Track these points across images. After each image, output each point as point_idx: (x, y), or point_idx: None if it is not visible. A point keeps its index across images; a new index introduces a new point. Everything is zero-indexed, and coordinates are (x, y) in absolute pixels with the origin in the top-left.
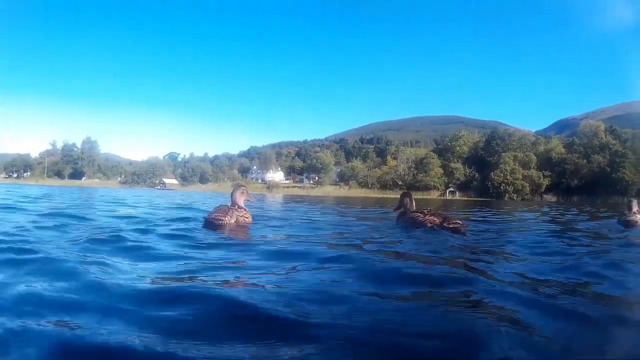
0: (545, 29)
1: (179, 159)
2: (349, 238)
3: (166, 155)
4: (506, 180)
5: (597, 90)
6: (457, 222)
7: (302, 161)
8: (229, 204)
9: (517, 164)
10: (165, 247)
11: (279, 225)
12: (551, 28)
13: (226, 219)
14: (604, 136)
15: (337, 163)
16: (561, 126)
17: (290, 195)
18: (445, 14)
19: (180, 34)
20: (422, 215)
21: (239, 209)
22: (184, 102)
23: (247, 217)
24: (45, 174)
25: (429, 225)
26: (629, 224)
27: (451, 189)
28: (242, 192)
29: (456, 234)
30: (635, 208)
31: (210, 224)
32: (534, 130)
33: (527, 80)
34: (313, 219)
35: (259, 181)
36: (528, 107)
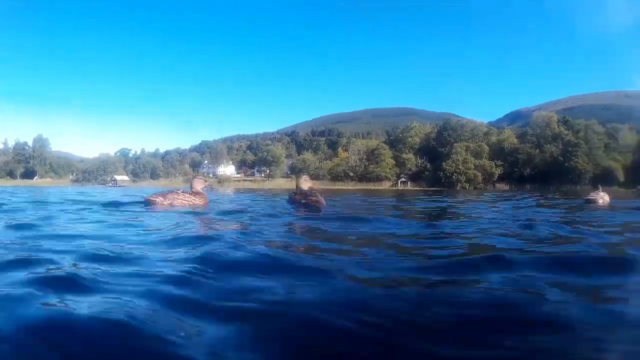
0: (497, 22)
1: (131, 155)
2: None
3: (117, 152)
4: (458, 170)
5: (550, 83)
6: (315, 200)
7: (253, 155)
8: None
9: (469, 154)
10: None
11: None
12: (503, 22)
13: (159, 199)
14: (556, 127)
15: (288, 156)
16: (514, 117)
17: (242, 188)
18: (396, 5)
19: (128, 29)
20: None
21: (185, 194)
22: (135, 97)
23: (195, 201)
24: None
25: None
26: (590, 202)
27: (403, 180)
28: (200, 181)
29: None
30: (600, 192)
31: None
32: (486, 122)
33: (480, 72)
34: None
35: (211, 175)
36: (481, 99)
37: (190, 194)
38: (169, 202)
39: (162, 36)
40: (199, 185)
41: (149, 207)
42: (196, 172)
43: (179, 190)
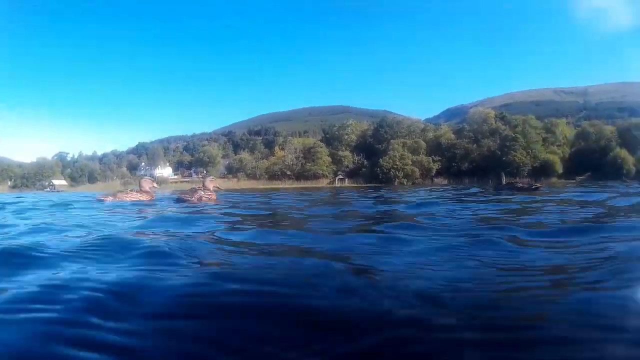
0: (433, 20)
1: (68, 159)
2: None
3: (55, 156)
4: (395, 166)
5: (486, 81)
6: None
7: (190, 155)
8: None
9: (406, 150)
10: None
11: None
12: (438, 19)
13: (109, 198)
14: (493, 122)
15: (225, 156)
16: (451, 114)
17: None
18: (330, 4)
19: (62, 31)
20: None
21: (206, 190)
22: (71, 100)
23: (212, 196)
24: None
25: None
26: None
27: (340, 177)
28: (212, 180)
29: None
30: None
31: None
32: (423, 119)
33: (417, 70)
34: None
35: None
36: (418, 97)
37: (138, 192)
38: (119, 199)
39: (96, 36)
40: (146, 184)
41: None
42: (133, 174)
43: (127, 190)
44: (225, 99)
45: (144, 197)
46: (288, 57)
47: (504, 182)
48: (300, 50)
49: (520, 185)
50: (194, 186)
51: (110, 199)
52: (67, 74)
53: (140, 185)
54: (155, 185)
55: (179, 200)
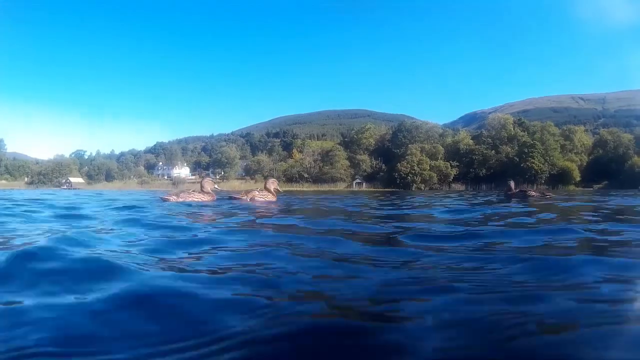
0: (453, 25)
1: (86, 157)
2: None
3: (72, 154)
4: (413, 171)
5: (505, 86)
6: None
7: (208, 156)
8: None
9: (424, 154)
10: None
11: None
12: (459, 25)
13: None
14: (512, 128)
15: (242, 157)
16: (469, 119)
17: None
18: (350, 8)
19: (85, 29)
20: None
21: (261, 191)
22: (91, 98)
23: (268, 197)
24: None
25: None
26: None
27: (358, 181)
28: (273, 182)
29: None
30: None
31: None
32: (441, 124)
33: (436, 74)
34: None
35: (165, 177)
36: (436, 101)
37: (200, 192)
38: (182, 199)
39: (118, 36)
40: (208, 185)
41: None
42: (151, 174)
43: (190, 190)
44: (244, 100)
45: (206, 198)
46: (307, 60)
47: (514, 190)
48: (320, 53)
49: (532, 193)
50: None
51: (173, 198)
52: (87, 72)
53: (202, 186)
54: (216, 186)
55: (231, 199)
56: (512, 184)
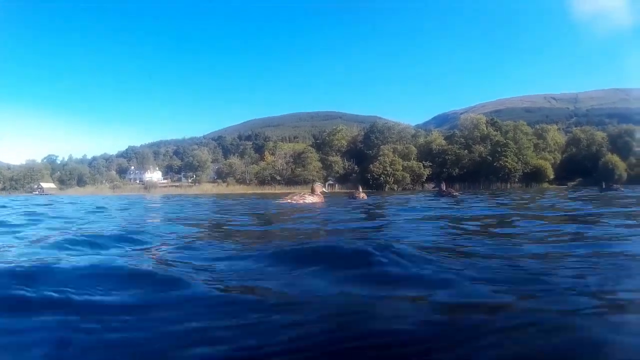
0: (424, 26)
1: (58, 162)
2: None
3: (44, 158)
4: (386, 172)
5: (477, 86)
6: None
7: (180, 160)
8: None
9: (396, 155)
10: None
11: None
12: (430, 25)
13: (298, 198)
14: (485, 128)
15: (214, 160)
16: (441, 120)
17: (170, 194)
18: (320, 9)
19: (55, 30)
20: None
21: (312, 194)
22: (62, 102)
23: (311, 200)
24: None
25: None
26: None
27: (330, 182)
28: (319, 186)
29: None
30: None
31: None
32: (414, 124)
33: (407, 75)
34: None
35: (137, 182)
36: (408, 103)
37: (311, 195)
38: (295, 201)
39: (90, 38)
40: (318, 189)
41: (282, 202)
42: (123, 178)
43: (302, 193)
44: (216, 103)
45: (316, 200)
46: (279, 62)
47: (444, 189)
48: (291, 55)
49: (454, 193)
50: (295, 192)
51: (289, 200)
52: (58, 75)
53: (313, 190)
54: (324, 189)
55: (288, 204)
56: (443, 185)
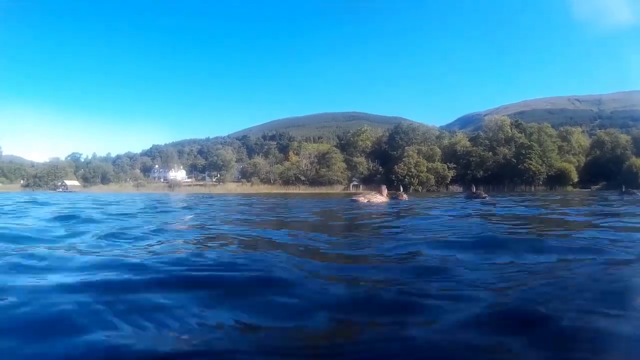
0: (448, 27)
1: (82, 160)
2: None
3: (68, 156)
4: (410, 173)
5: (501, 88)
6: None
7: (204, 159)
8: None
9: (421, 157)
10: None
11: None
12: (454, 27)
13: (371, 197)
14: (509, 130)
15: (239, 160)
16: (465, 122)
17: (196, 193)
18: (346, 9)
19: (82, 31)
20: None
21: (378, 195)
22: (87, 100)
23: (381, 199)
24: None
25: None
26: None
27: (355, 183)
28: (384, 188)
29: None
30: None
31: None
32: (438, 126)
33: (431, 77)
34: None
35: (161, 180)
36: (432, 104)
37: (381, 195)
38: (367, 200)
39: (115, 39)
40: (384, 191)
41: (361, 200)
42: (147, 177)
43: (373, 193)
44: (240, 103)
45: (384, 199)
46: (303, 62)
47: (474, 191)
48: (316, 55)
49: (482, 195)
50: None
51: (362, 199)
52: (84, 75)
53: (381, 191)
54: (387, 191)
55: (353, 201)
56: (473, 187)
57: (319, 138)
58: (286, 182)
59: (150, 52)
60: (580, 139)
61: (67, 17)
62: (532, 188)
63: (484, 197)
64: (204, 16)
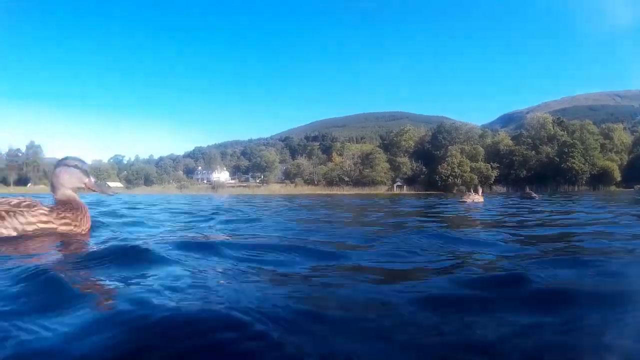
0: (487, 25)
1: (124, 162)
2: None
3: (111, 158)
4: (454, 173)
5: (541, 85)
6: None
7: (247, 160)
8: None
9: (464, 156)
10: None
11: None
12: (493, 24)
13: (474, 197)
14: (551, 128)
15: (282, 161)
16: (507, 120)
17: (239, 194)
18: (388, 10)
19: (123, 35)
20: None
21: (471, 196)
22: (129, 103)
23: (480, 199)
24: None
25: None
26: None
27: (398, 183)
28: (480, 188)
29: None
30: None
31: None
32: (480, 124)
33: (472, 75)
34: None
35: (205, 182)
36: (473, 102)
37: (480, 196)
38: (470, 200)
39: (157, 41)
40: (480, 191)
41: (467, 202)
42: (190, 178)
43: (473, 194)
44: (282, 104)
45: (481, 199)
46: (344, 62)
47: (527, 191)
48: (357, 55)
49: (532, 195)
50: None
51: (468, 200)
52: (126, 77)
53: (477, 192)
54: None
55: (461, 202)
56: (527, 188)
57: (361, 138)
58: (330, 182)
59: (194, 55)
60: (623, 136)
61: (111, 22)
62: (576, 188)
63: (534, 197)
64: (249, 17)
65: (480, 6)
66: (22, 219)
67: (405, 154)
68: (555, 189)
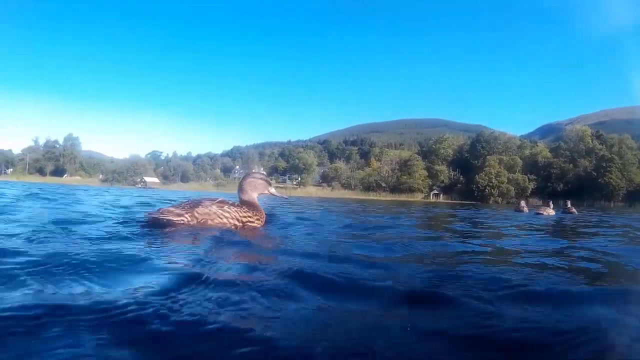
0: (529, 35)
1: (162, 158)
2: None
3: (148, 154)
4: (491, 184)
5: (580, 97)
6: None
7: (285, 162)
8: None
9: (502, 167)
10: None
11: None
12: (534, 35)
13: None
14: (590, 141)
15: (320, 164)
16: (546, 131)
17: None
18: (431, 18)
19: (167, 34)
20: None
21: (547, 209)
22: (168, 101)
23: (552, 212)
24: (27, 171)
25: None
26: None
27: (435, 192)
28: (551, 203)
29: None
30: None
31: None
32: (518, 135)
33: (512, 84)
34: None
35: None
36: (512, 112)
37: (550, 208)
38: (528, 211)
39: (200, 39)
40: (551, 205)
41: (543, 214)
42: (227, 177)
43: (543, 207)
44: (322, 107)
45: (553, 213)
46: (385, 67)
47: (567, 206)
48: (397, 61)
49: (571, 210)
50: None
51: (545, 213)
52: (167, 75)
53: (548, 205)
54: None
55: (538, 214)
56: (568, 202)
57: (400, 144)
58: (367, 188)
59: (234, 54)
60: None
61: (151, 17)
62: (612, 204)
63: (573, 212)
64: (286, 22)
65: (525, 18)
66: (243, 214)
67: (444, 162)
68: (592, 204)
